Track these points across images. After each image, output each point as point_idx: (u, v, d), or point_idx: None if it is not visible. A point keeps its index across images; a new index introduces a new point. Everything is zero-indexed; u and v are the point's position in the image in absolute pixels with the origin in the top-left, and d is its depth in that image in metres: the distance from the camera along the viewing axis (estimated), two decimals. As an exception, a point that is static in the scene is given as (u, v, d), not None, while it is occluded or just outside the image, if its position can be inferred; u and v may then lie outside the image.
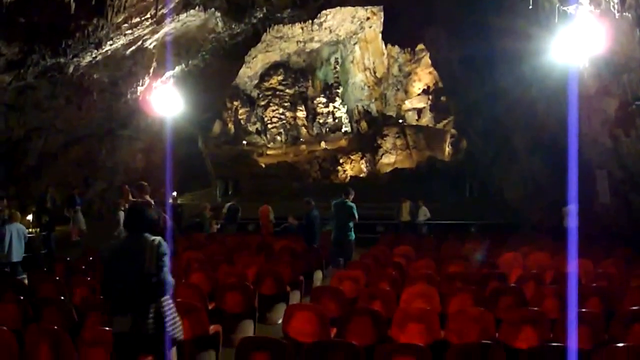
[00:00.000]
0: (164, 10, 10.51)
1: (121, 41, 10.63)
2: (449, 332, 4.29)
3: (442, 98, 29.88)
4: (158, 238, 3.40)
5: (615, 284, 5.87)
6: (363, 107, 35.27)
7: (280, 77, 35.80)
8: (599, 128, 9.50)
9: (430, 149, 29.16)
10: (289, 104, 36.11)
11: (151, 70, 13.20)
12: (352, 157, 31.39)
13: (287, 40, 32.24)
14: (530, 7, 8.77)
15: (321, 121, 36.04)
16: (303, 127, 36.20)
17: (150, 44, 11.98)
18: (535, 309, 4.60)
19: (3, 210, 9.82)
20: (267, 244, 9.55)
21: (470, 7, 13.03)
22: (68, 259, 7.96)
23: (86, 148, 14.12)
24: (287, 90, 36.05)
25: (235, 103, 35.73)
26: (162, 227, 4.37)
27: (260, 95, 36.31)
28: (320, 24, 30.16)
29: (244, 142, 34.42)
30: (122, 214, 10.20)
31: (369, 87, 35.45)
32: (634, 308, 4.47)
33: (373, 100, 35.37)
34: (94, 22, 9.07)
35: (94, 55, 10.42)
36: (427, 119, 32.10)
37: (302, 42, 33.25)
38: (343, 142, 33.74)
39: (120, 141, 15.27)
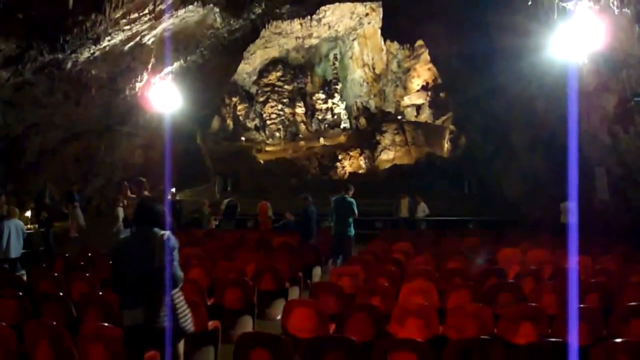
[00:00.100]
0: (163, 6, 10.48)
1: (119, 37, 10.60)
2: (447, 327, 4.29)
3: (441, 94, 29.86)
4: (167, 232, 3.45)
5: (613, 280, 5.87)
6: (362, 103, 35.23)
7: (279, 73, 35.73)
8: (598, 124, 9.50)
9: (429, 145, 29.14)
10: (287, 100, 36.05)
11: (149, 66, 13.16)
12: (351, 153, 31.37)
13: (286, 36, 32.16)
14: (530, 3, 8.77)
15: (320, 117, 36.00)
16: (302, 124, 36.16)
17: (149, 39, 11.94)
18: (534, 304, 4.61)
19: (1, 206, 9.82)
20: (266, 240, 9.56)
21: (469, 3, 13.01)
22: (67, 255, 7.94)
23: (85, 144, 14.09)
24: (286, 87, 35.99)
25: (234, 99, 35.66)
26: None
27: (259, 92, 36.25)
28: (319, 20, 30.09)
29: (243, 138, 34.37)
30: (120, 210, 10.21)
31: (367, 83, 35.40)
32: (633, 304, 4.47)
33: (372, 96, 35.33)
34: (92, 18, 9.04)
35: (92, 51, 10.38)
36: (426, 115, 32.07)
37: (301, 38, 33.17)
38: (342, 139, 33.70)
39: (118, 137, 15.24)
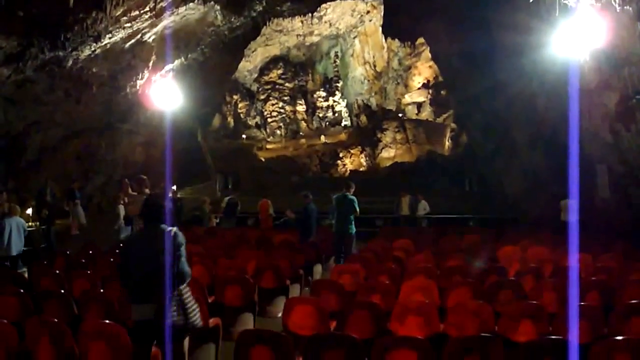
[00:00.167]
0: (163, 3, 10.47)
1: (120, 34, 10.59)
2: (448, 325, 4.30)
3: (442, 92, 29.85)
4: (174, 228, 3.50)
5: (614, 278, 5.87)
6: (363, 101, 35.21)
7: (280, 71, 35.72)
8: (599, 122, 9.48)
9: (430, 143, 29.15)
10: (288, 97, 36.06)
11: (150, 64, 13.16)
12: (351, 151, 31.38)
13: (287, 34, 32.15)
14: (531, 0, 8.74)
15: (321, 115, 36.00)
16: (303, 121, 36.16)
17: (150, 37, 11.93)
18: (534, 302, 4.61)
19: (2, 204, 9.82)
20: (266, 237, 9.56)
21: (470, 0, 12.98)
22: (68, 252, 7.96)
23: (85, 142, 14.09)
24: (287, 84, 35.99)
25: (235, 97, 35.67)
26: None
27: (260, 89, 36.24)
28: (320, 18, 30.07)
29: (244, 136, 34.38)
30: (121, 208, 10.21)
31: (368, 81, 35.38)
32: (633, 302, 4.47)
33: (373, 94, 35.31)
34: (92, 15, 9.04)
35: (93, 49, 10.38)
36: (427, 113, 32.06)
37: (302, 35, 33.16)
38: (343, 136, 33.71)
39: (119, 135, 15.24)
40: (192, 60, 15.60)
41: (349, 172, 29.19)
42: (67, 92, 11.65)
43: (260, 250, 8.02)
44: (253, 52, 32.06)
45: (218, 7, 13.24)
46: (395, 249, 8.19)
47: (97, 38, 9.91)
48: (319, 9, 22.25)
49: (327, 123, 35.76)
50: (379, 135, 30.76)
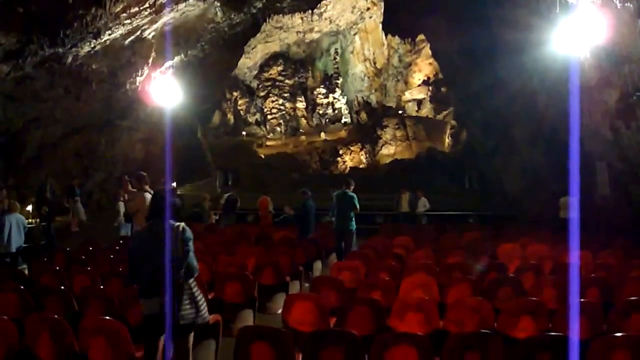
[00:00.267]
0: (163, 0, 10.45)
1: (120, 31, 10.57)
2: (447, 321, 4.30)
3: (442, 89, 29.81)
4: (182, 224, 3.54)
5: (614, 275, 5.88)
6: (363, 98, 35.19)
7: (279, 68, 35.68)
8: (599, 119, 9.47)
9: (430, 140, 29.14)
10: (288, 94, 36.03)
11: (150, 61, 13.14)
12: (351, 148, 31.37)
13: (287, 31, 32.11)
14: (532, -3, 8.74)
15: (321, 112, 35.97)
16: (303, 118, 36.13)
17: (149, 33, 11.91)
18: (534, 299, 4.61)
19: (2, 200, 9.80)
20: (266, 234, 9.57)
21: (471, -3, 12.97)
22: (68, 249, 7.96)
23: (85, 138, 14.09)
24: (287, 81, 35.96)
25: (235, 94, 35.64)
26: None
27: (260, 86, 36.21)
28: (320, 14, 30.02)
29: (244, 132, 34.37)
30: (121, 205, 10.22)
31: (368, 77, 35.35)
32: (633, 298, 4.48)
33: (373, 91, 35.29)
34: (92, 12, 9.02)
35: (92, 45, 10.36)
36: (427, 110, 32.04)
37: (302, 32, 33.11)
38: (343, 133, 33.70)
39: (119, 132, 15.23)
40: (191, 57, 15.58)
41: (348, 169, 29.18)
42: (66, 88, 11.64)
43: (260, 247, 8.02)
44: (253, 48, 32.02)
45: (218, 4, 13.22)
46: (395, 246, 8.19)
47: (97, 34, 9.90)
48: (319, 5, 22.21)
49: (327, 120, 35.73)
50: (379, 132, 30.75)
